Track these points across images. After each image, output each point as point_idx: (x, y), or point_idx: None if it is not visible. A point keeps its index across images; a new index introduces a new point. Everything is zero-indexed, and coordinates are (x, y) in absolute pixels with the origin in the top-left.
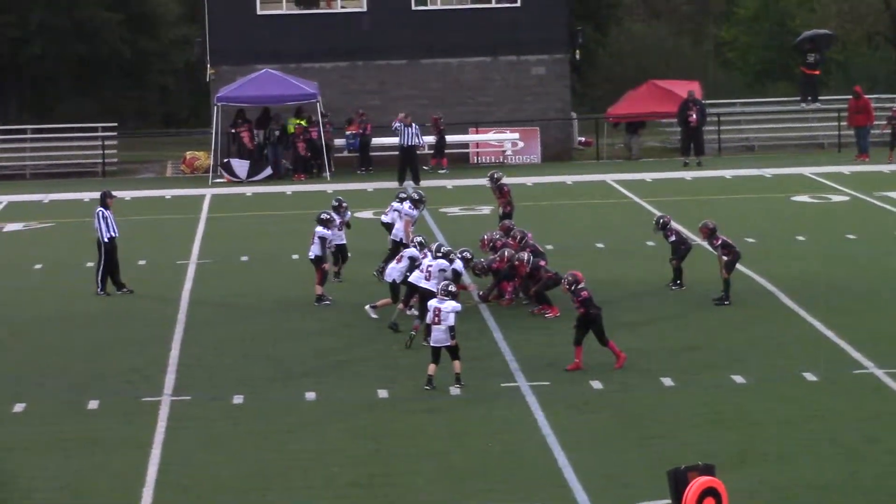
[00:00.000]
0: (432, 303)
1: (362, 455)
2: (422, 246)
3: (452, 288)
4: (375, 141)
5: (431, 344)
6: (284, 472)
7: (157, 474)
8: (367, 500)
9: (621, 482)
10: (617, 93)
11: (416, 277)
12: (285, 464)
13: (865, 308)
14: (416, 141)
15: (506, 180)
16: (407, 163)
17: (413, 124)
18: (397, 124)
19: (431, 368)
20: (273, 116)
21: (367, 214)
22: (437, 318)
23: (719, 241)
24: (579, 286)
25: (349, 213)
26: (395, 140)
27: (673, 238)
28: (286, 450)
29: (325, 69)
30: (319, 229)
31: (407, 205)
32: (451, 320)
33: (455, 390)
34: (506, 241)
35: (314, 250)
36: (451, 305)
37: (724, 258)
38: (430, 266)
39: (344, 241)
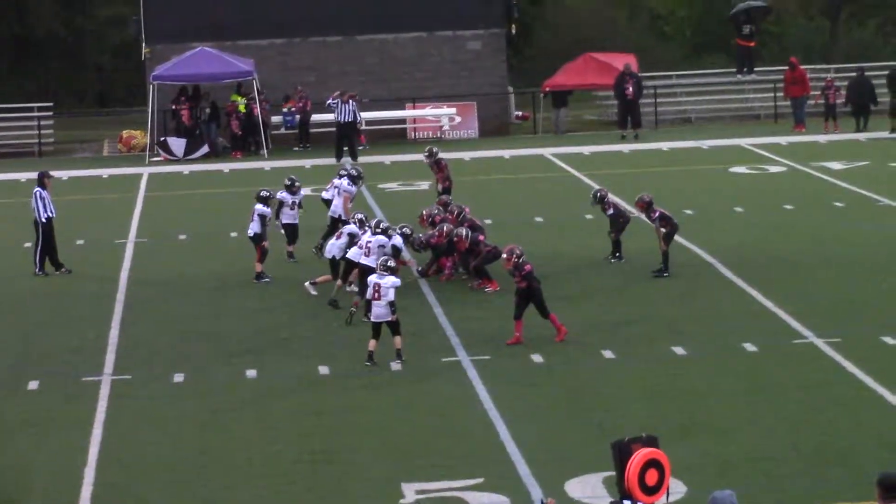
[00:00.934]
0: (372, 278)
1: (304, 432)
2: (362, 223)
3: (392, 263)
4: (313, 118)
5: (372, 320)
6: (226, 451)
7: (98, 454)
8: (310, 477)
9: (564, 455)
10: (553, 67)
11: (354, 254)
12: (227, 442)
13: (803, 278)
14: (354, 117)
15: (443, 155)
16: (344, 139)
17: (350, 101)
18: (332, 101)
19: (372, 344)
20: (204, 94)
21: (306, 191)
22: (377, 294)
23: (657, 214)
24: (522, 259)
25: (302, 192)
26: (332, 117)
27: (611, 211)
28: (228, 428)
29: (261, 46)
30: (259, 206)
31: (346, 181)
32: (391, 296)
33: (396, 366)
34: (444, 216)
35: (253, 227)
36: (390, 281)
37: (662, 230)
38: (370, 242)
39: (296, 222)
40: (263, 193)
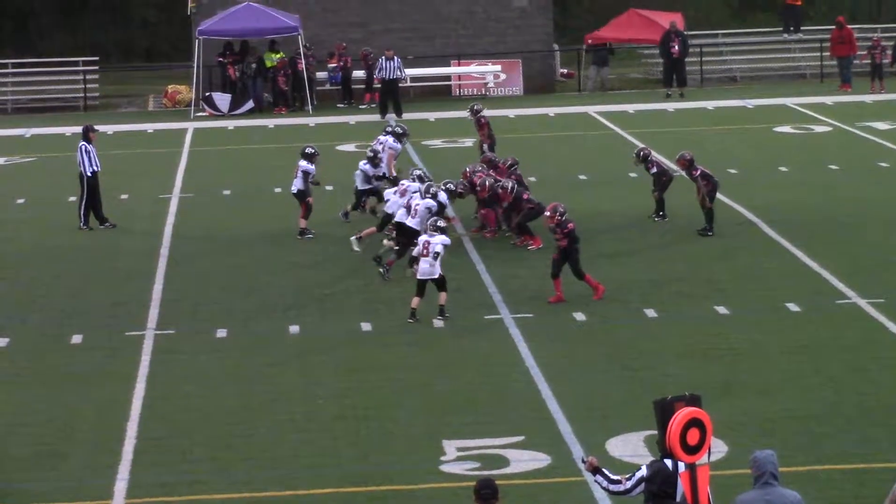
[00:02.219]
0: (422, 237)
1: (346, 388)
2: (421, 179)
3: (442, 223)
4: (356, 74)
5: (418, 277)
6: (268, 406)
7: (141, 408)
8: (351, 433)
9: (605, 413)
10: (599, 25)
11: (400, 216)
12: (269, 397)
13: (848, 238)
14: (398, 74)
15: (486, 112)
16: (388, 96)
17: (395, 57)
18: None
19: (415, 301)
20: (251, 49)
21: (350, 147)
22: (425, 251)
23: (698, 172)
24: (566, 217)
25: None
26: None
27: (654, 170)
28: (270, 383)
29: (307, 2)
30: (303, 163)
31: (391, 138)
32: (439, 251)
33: (439, 322)
34: (487, 172)
35: (297, 184)
36: (440, 239)
37: (705, 188)
38: (418, 205)
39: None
40: (309, 150)
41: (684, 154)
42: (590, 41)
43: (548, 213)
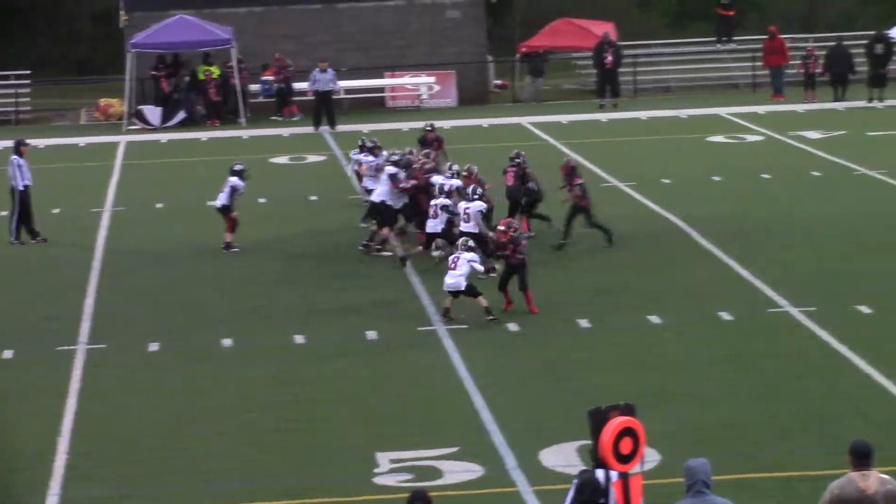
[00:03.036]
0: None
1: (279, 401)
2: (457, 174)
3: (472, 244)
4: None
5: (445, 289)
6: (202, 419)
7: (73, 423)
8: (285, 445)
9: (539, 424)
10: (533, 35)
11: (467, 226)
12: (202, 410)
13: (780, 247)
14: (332, 86)
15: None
16: (322, 108)
17: (329, 70)
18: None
19: (447, 301)
20: (183, 63)
21: (284, 160)
22: (453, 265)
23: (580, 181)
24: (519, 234)
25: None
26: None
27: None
28: (203, 396)
29: (239, 14)
30: (233, 179)
31: (363, 155)
32: (465, 270)
33: (372, 334)
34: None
35: (222, 199)
36: (469, 256)
37: (579, 201)
38: (468, 208)
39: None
40: (238, 167)
41: (569, 160)
42: (524, 50)
43: (501, 228)
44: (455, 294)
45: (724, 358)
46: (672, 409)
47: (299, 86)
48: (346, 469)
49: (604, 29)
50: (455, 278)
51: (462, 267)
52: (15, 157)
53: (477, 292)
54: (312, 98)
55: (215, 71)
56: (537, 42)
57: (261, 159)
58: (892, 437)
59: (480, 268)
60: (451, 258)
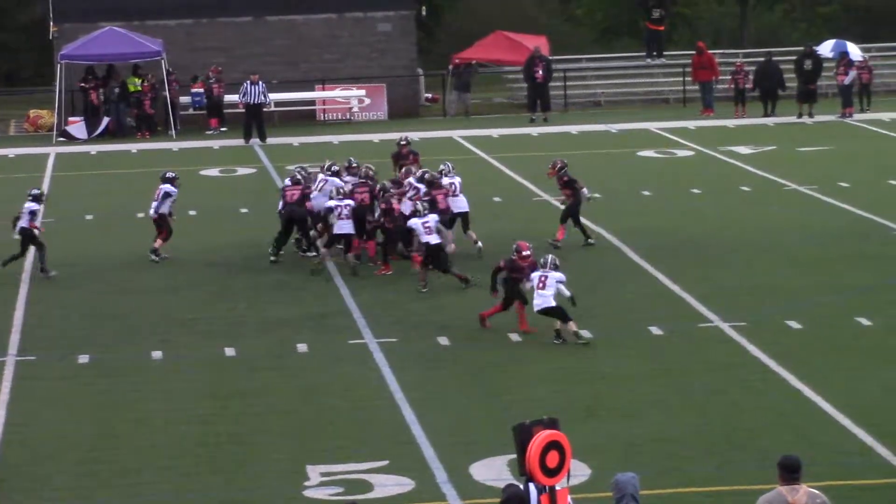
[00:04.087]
0: (536, 274)
1: (209, 414)
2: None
3: (558, 262)
4: (229, 98)
5: (536, 310)
6: (131, 432)
7: (2, 435)
8: (215, 459)
9: (469, 438)
10: (463, 49)
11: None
12: (132, 423)
13: (710, 262)
14: (263, 99)
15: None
16: (253, 120)
17: (260, 82)
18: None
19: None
20: (113, 75)
21: (214, 172)
22: (541, 284)
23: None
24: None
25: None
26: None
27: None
28: (133, 409)
29: (169, 26)
30: (166, 186)
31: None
32: (555, 288)
33: (303, 347)
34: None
35: (157, 207)
36: (557, 276)
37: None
38: (427, 223)
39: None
40: (169, 174)
41: (555, 161)
42: (457, 61)
43: (527, 253)
44: (546, 313)
45: (655, 372)
46: (602, 423)
47: (230, 98)
48: (277, 482)
49: (536, 43)
50: (543, 298)
51: (550, 287)
52: None
53: (568, 316)
54: (242, 111)
55: (134, 84)
56: (470, 54)
57: (191, 171)
58: (822, 452)
59: (567, 292)
60: (536, 277)
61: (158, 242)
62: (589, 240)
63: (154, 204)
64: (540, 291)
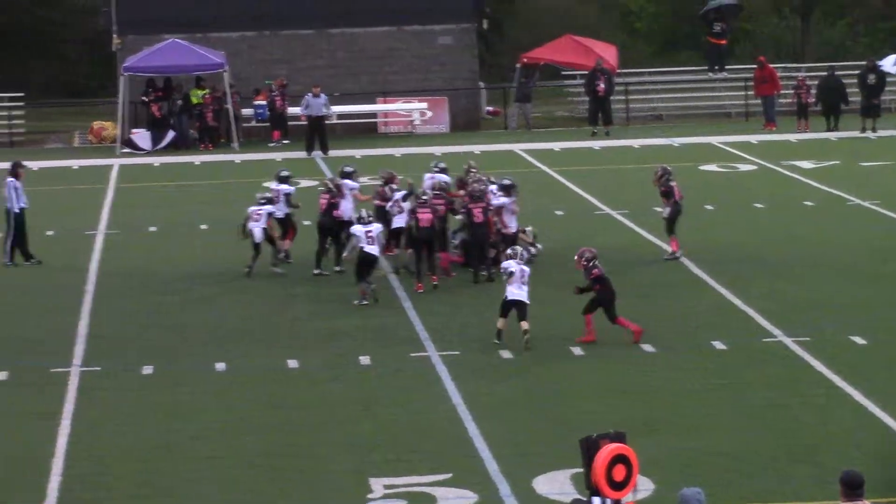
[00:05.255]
0: (515, 265)
1: (271, 425)
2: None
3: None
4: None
5: (508, 297)
6: (193, 442)
7: (66, 445)
8: (276, 470)
9: (532, 451)
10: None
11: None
12: (194, 433)
13: (773, 276)
14: (324, 111)
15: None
16: (315, 133)
17: (322, 95)
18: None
19: (500, 322)
20: (175, 87)
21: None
22: (523, 278)
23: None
24: (592, 263)
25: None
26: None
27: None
28: (195, 420)
29: (231, 39)
30: (284, 187)
31: (349, 181)
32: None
33: (366, 359)
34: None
35: (281, 208)
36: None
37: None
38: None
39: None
40: (284, 173)
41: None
42: (524, 60)
43: (575, 258)
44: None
45: (716, 387)
46: (663, 438)
47: (292, 110)
48: (340, 495)
49: (607, 50)
50: (522, 290)
51: (527, 283)
52: (11, 179)
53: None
54: (304, 123)
55: (197, 96)
56: (539, 55)
57: (253, 183)
58: (885, 468)
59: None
60: (519, 270)
61: (287, 243)
62: (675, 253)
63: (278, 205)
64: (521, 285)
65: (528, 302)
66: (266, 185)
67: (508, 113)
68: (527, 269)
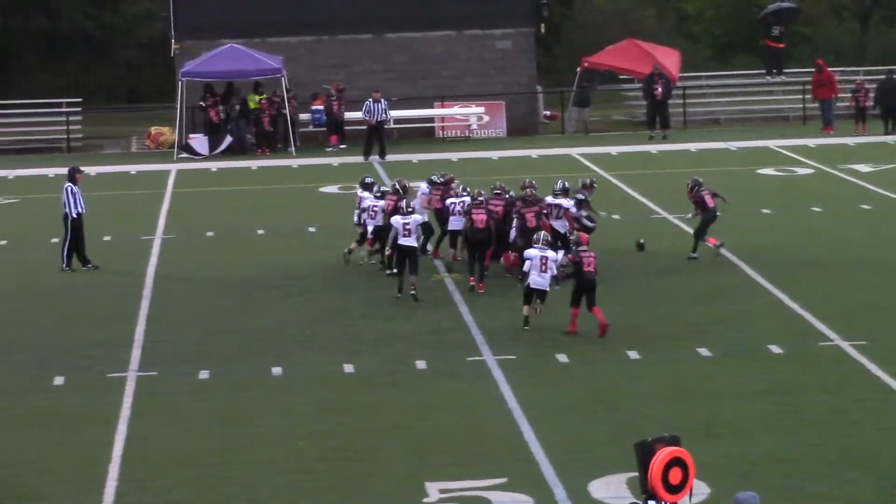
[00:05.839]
0: (537, 252)
1: (327, 429)
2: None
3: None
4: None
5: (531, 286)
6: (249, 447)
7: (123, 449)
8: (332, 474)
9: (587, 455)
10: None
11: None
12: (250, 438)
13: (830, 280)
14: (384, 116)
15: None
16: (374, 138)
17: (382, 100)
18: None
19: (526, 309)
20: (233, 92)
21: (333, 189)
22: (544, 265)
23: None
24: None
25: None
26: (359, 115)
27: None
28: (251, 424)
29: (289, 43)
30: (381, 203)
31: (423, 185)
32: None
33: (421, 364)
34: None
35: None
36: (552, 255)
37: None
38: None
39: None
40: (369, 180)
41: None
42: (586, 64)
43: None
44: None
45: (773, 390)
46: (720, 442)
47: (349, 115)
48: (396, 499)
49: (670, 55)
50: (544, 278)
51: (550, 269)
52: (69, 184)
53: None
54: (361, 128)
55: (253, 100)
56: (600, 59)
57: (311, 188)
58: None
59: (556, 271)
60: (538, 257)
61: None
62: (692, 253)
63: (376, 219)
64: (542, 273)
65: (547, 290)
66: (356, 192)
67: (566, 117)
68: (551, 254)
